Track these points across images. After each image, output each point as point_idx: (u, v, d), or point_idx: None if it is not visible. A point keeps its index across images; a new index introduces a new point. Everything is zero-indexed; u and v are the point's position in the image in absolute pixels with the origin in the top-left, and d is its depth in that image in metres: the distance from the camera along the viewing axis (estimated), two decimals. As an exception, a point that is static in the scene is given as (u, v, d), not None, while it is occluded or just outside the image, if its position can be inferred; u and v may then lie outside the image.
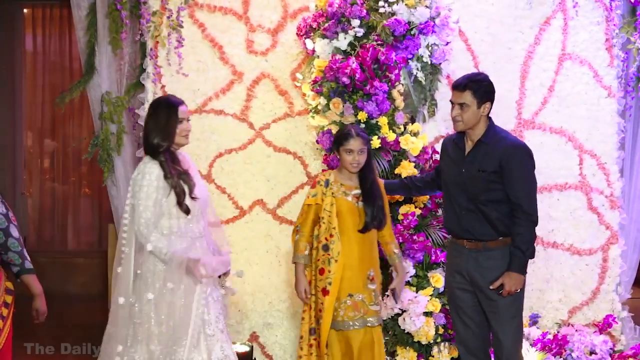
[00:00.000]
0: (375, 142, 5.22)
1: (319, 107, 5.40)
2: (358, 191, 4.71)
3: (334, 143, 4.74)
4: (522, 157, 4.41)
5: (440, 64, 5.60)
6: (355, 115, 5.24)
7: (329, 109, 5.31)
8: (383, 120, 5.30)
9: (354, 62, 5.18)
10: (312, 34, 5.50)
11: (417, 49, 5.44)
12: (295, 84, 5.86)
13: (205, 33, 5.89)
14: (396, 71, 5.32)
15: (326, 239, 4.62)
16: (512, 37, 5.96)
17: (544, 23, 5.97)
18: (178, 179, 4.09)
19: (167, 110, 4.18)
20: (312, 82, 5.43)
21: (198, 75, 5.89)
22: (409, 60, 5.47)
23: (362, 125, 5.23)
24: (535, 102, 6.00)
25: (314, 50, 5.49)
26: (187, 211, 4.07)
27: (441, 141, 4.86)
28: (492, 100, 4.46)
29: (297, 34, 5.64)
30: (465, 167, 4.47)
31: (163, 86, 5.86)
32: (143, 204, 4.01)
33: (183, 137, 4.19)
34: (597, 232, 6.02)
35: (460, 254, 4.52)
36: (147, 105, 5.71)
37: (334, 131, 5.24)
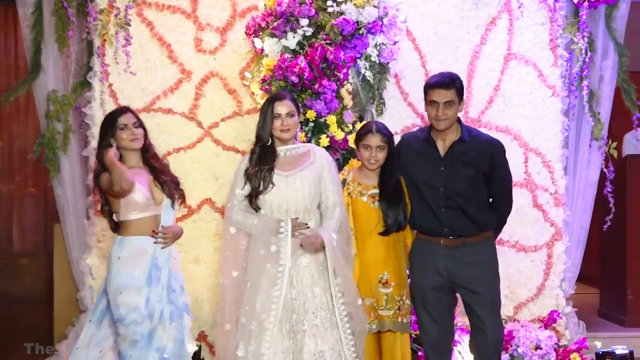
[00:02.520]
0: (324, 141, 5.27)
1: None
2: (375, 191, 4.64)
3: (355, 138, 4.73)
4: (504, 152, 4.61)
5: (388, 63, 5.67)
6: (304, 114, 5.27)
7: None
8: (332, 119, 5.35)
9: (302, 61, 5.25)
10: (261, 33, 5.55)
11: (365, 49, 5.50)
12: (244, 83, 5.91)
13: (153, 31, 5.98)
14: (344, 70, 5.38)
15: None
16: (459, 37, 6.09)
17: (489, 23, 6.10)
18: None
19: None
20: (260, 81, 5.46)
21: (146, 73, 5.96)
22: (357, 60, 5.54)
23: (311, 124, 5.31)
24: (482, 101, 6.12)
25: (262, 49, 5.55)
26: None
27: (400, 137, 4.86)
28: (463, 98, 4.63)
29: (246, 32, 5.70)
30: (444, 165, 4.51)
31: (110, 85, 5.92)
32: None
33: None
34: (542, 229, 6.13)
35: (435, 253, 4.54)
36: (94, 104, 5.92)
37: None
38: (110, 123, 4.38)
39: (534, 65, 6.13)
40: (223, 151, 5.99)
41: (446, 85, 4.46)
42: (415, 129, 5.21)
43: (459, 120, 4.60)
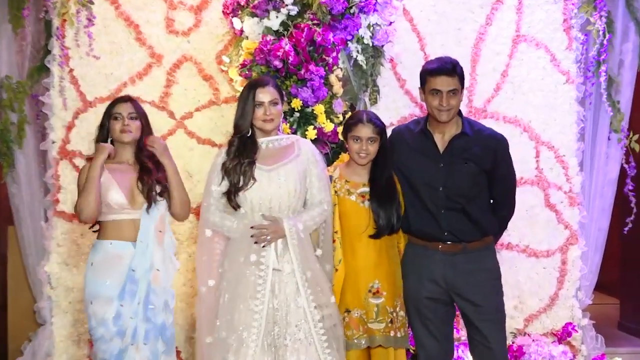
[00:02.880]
0: (311, 133, 5.19)
1: None
2: (364, 189, 4.52)
3: (343, 129, 4.63)
4: (508, 148, 4.55)
5: (382, 46, 5.62)
6: (289, 103, 5.19)
7: None
8: (319, 109, 5.25)
9: (287, 44, 5.16)
10: (240, 12, 5.46)
11: (357, 30, 5.44)
12: (221, 68, 5.84)
13: (119, 10, 5.87)
14: (334, 54, 5.30)
15: None
16: (462, 17, 6.02)
17: (496, 1, 6.03)
18: None
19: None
20: (240, 66, 5.39)
21: (111, 58, 5.87)
22: (348, 42, 5.47)
23: (296, 115, 5.23)
24: (487, 88, 6.04)
25: (242, 31, 5.46)
26: None
27: (391, 131, 4.77)
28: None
29: (223, 12, 5.60)
30: (444, 161, 4.44)
31: (71, 70, 5.83)
32: None
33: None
34: (555, 232, 6.06)
35: (431, 260, 4.46)
36: (52, 92, 5.82)
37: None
38: (107, 111, 4.40)
39: (546, 48, 6.04)
40: (198, 145, 5.91)
41: (450, 72, 4.37)
42: (410, 120, 5.06)
43: (459, 112, 4.53)
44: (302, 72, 5.17)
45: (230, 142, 4.31)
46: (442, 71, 4.35)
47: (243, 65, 5.34)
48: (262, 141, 4.31)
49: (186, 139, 5.88)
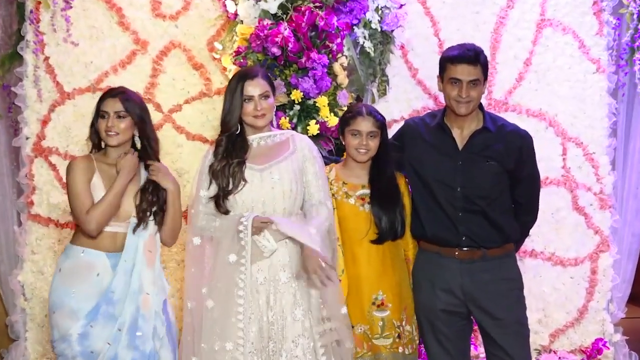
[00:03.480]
0: (313, 128, 5.15)
1: None
2: (364, 191, 4.51)
3: (340, 124, 4.65)
4: (533, 146, 4.53)
5: (392, 31, 5.59)
6: (288, 95, 5.17)
7: None
8: (322, 101, 5.21)
9: (286, 29, 5.12)
10: None
11: (364, 13, 5.44)
12: (213, 56, 5.82)
13: None
14: (338, 40, 5.25)
15: None
16: None
17: None
18: None
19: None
20: (234, 54, 5.35)
21: (91, 44, 5.85)
22: (354, 27, 5.44)
23: (297, 107, 5.20)
24: (509, 78, 6.02)
25: (236, 14, 5.43)
26: None
27: (401, 125, 4.78)
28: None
29: None
30: (462, 159, 4.40)
31: (47, 58, 5.81)
32: None
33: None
34: (584, 238, 6.02)
35: (447, 268, 4.42)
36: (26, 82, 5.81)
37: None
38: (97, 105, 4.29)
39: (574, 33, 6.00)
40: (187, 141, 5.89)
41: (472, 60, 4.33)
42: (425, 113, 5.01)
43: (481, 106, 4.51)
44: (303, 60, 5.12)
45: (218, 142, 4.28)
46: (464, 59, 4.32)
47: (237, 53, 5.28)
48: (253, 138, 4.28)
49: (174, 135, 5.84)
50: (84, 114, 5.62)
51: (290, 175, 4.23)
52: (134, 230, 4.22)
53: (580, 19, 5.96)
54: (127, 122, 4.22)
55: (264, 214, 4.16)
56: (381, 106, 5.59)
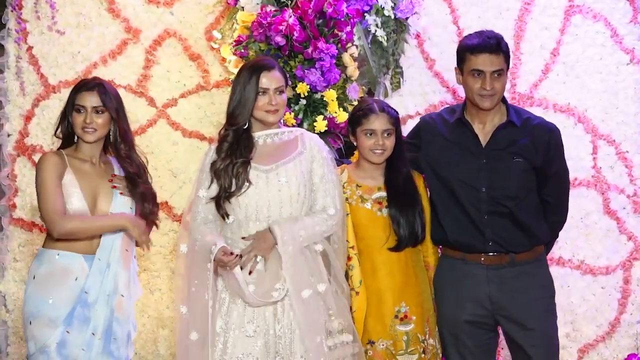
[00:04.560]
0: (320, 124, 5.16)
1: None
2: (381, 194, 4.50)
3: (350, 123, 4.62)
4: (561, 140, 4.54)
5: (407, 18, 5.58)
6: (294, 88, 5.18)
7: None
8: (331, 95, 5.23)
9: (291, 16, 5.12)
10: None
11: None
12: (211, 46, 5.83)
13: None
14: (348, 28, 5.26)
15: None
16: None
17: None
18: None
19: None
20: (234, 43, 5.36)
21: (78, 33, 5.86)
22: (365, 14, 5.43)
23: (303, 102, 5.21)
24: (535, 70, 5.97)
25: (237, 0, 5.44)
26: None
27: (418, 120, 4.76)
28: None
29: None
30: (486, 156, 4.41)
31: (30, 48, 5.82)
32: None
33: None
34: (617, 245, 5.94)
35: (472, 275, 4.44)
36: (7, 74, 5.85)
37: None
38: (69, 98, 4.31)
39: (605, 21, 5.94)
40: (183, 138, 5.89)
41: (494, 49, 4.31)
42: (442, 108, 4.97)
43: (504, 99, 4.48)
44: (310, 50, 5.12)
45: (223, 137, 4.23)
46: (485, 47, 4.30)
47: (238, 42, 5.29)
48: (259, 135, 4.26)
49: (169, 131, 5.85)
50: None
51: (298, 178, 4.19)
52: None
53: (613, 5, 5.88)
54: (105, 117, 4.26)
55: (268, 218, 4.13)
56: (395, 100, 5.71)
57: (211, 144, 4.36)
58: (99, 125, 4.21)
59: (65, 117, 4.28)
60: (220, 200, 4.16)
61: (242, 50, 5.26)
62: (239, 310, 4.10)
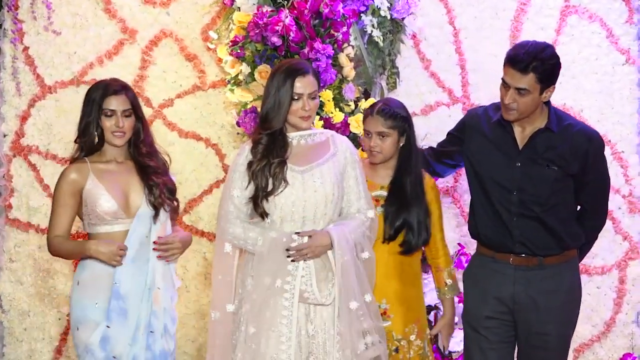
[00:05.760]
0: (317, 125, 5.08)
1: (241, 78, 5.35)
2: (381, 192, 4.55)
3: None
4: (603, 148, 4.53)
5: (403, 19, 5.60)
6: None
7: (254, 79, 5.27)
8: (327, 95, 5.23)
9: (287, 17, 5.13)
10: None
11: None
12: (207, 46, 5.85)
13: None
14: (344, 28, 5.26)
15: None
16: None
17: None
18: None
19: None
20: (230, 44, 5.37)
21: (75, 33, 5.87)
22: (361, 14, 5.46)
23: None
24: None
25: (233, 0, 5.45)
26: None
27: (466, 113, 4.85)
28: (555, 82, 4.41)
29: None
30: (520, 160, 4.43)
31: (26, 48, 5.83)
32: None
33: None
34: (612, 244, 6.01)
35: (500, 274, 4.48)
36: (3, 75, 5.86)
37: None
38: (95, 101, 4.27)
39: (601, 21, 6.00)
40: (179, 139, 5.92)
41: (520, 67, 4.25)
42: (488, 104, 4.88)
43: (547, 102, 4.45)
44: (306, 50, 5.12)
45: (257, 140, 4.21)
46: (512, 63, 4.26)
47: (234, 43, 5.29)
48: (293, 136, 4.25)
49: (165, 132, 5.86)
50: (66, 110, 5.69)
51: (332, 179, 4.19)
52: (154, 219, 4.27)
53: (609, 6, 5.92)
54: (132, 119, 4.28)
55: (303, 219, 4.15)
56: (391, 101, 5.77)
57: (244, 144, 4.35)
58: (127, 128, 4.24)
59: (90, 123, 4.24)
60: (258, 200, 4.15)
61: (239, 51, 5.26)
62: (271, 310, 4.11)
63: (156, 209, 4.28)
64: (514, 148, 4.41)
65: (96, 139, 4.24)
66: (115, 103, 4.23)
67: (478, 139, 4.53)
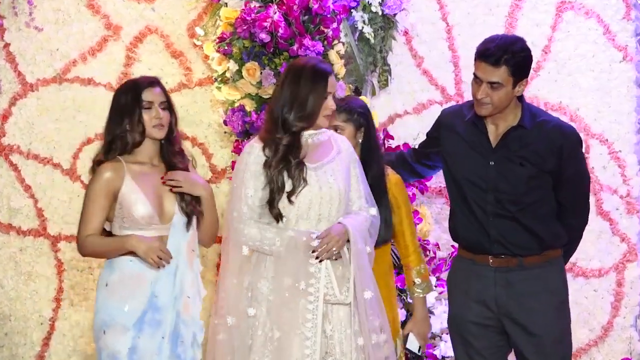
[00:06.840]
0: None
1: (228, 75, 5.37)
2: None
3: None
4: (579, 144, 4.52)
5: (395, 15, 5.63)
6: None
7: (242, 77, 5.30)
8: None
9: (275, 12, 5.15)
10: None
11: None
12: (194, 43, 5.86)
13: None
14: (334, 25, 5.30)
15: None
16: None
17: None
18: None
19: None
20: (217, 40, 5.40)
21: (57, 29, 5.87)
22: (352, 10, 5.49)
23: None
24: None
25: None
26: None
27: (440, 113, 4.78)
28: (527, 76, 4.41)
29: None
30: (494, 158, 4.41)
31: (7, 44, 5.85)
32: None
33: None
34: (610, 246, 6.00)
35: (480, 277, 4.47)
36: None
37: (248, 108, 5.24)
38: (133, 97, 4.23)
39: (598, 17, 5.98)
40: None
41: (492, 60, 4.26)
42: (462, 103, 5.03)
43: (521, 98, 4.44)
44: (295, 47, 5.15)
45: (277, 140, 4.15)
46: (484, 57, 4.27)
47: (221, 39, 5.31)
48: (305, 135, 4.23)
49: None
50: (48, 108, 5.69)
51: (343, 176, 4.21)
52: (187, 227, 4.25)
53: (605, 2, 5.92)
54: (168, 114, 4.28)
55: (318, 216, 4.16)
56: (382, 99, 5.80)
57: (250, 142, 4.28)
58: (165, 120, 4.23)
59: (133, 118, 4.18)
60: (275, 202, 4.13)
61: (226, 48, 5.29)
62: (293, 312, 4.08)
63: (189, 217, 4.27)
64: (488, 147, 4.41)
65: (137, 137, 4.17)
66: (152, 95, 4.22)
67: (453, 138, 4.54)
